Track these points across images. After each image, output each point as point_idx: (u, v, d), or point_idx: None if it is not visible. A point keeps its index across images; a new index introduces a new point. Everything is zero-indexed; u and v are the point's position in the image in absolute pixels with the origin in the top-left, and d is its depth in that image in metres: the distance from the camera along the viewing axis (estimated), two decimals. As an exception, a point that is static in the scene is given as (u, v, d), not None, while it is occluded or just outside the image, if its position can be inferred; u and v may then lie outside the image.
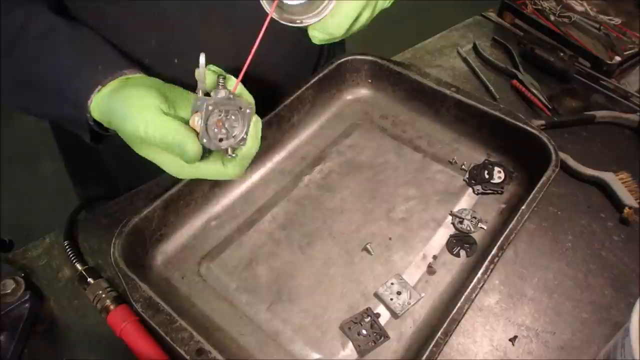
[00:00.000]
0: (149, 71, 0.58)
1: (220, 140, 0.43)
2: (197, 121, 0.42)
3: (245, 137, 0.44)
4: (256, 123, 0.45)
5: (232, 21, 0.61)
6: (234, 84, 0.45)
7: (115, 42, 0.58)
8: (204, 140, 0.42)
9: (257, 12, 0.61)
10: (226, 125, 0.43)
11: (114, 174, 0.79)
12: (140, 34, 0.59)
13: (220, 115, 0.42)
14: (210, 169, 0.45)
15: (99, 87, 0.48)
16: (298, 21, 0.44)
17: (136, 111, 0.43)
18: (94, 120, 0.50)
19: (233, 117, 0.43)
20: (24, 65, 0.52)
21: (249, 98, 0.46)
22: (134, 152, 0.47)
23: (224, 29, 0.61)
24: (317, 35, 0.46)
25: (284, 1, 0.44)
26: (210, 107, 0.41)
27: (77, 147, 0.79)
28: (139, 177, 0.68)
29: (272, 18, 0.44)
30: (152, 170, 0.59)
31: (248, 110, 0.43)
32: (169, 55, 0.61)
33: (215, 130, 0.42)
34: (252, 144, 0.45)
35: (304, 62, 0.74)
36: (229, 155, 0.45)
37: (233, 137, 0.44)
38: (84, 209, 0.67)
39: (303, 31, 0.54)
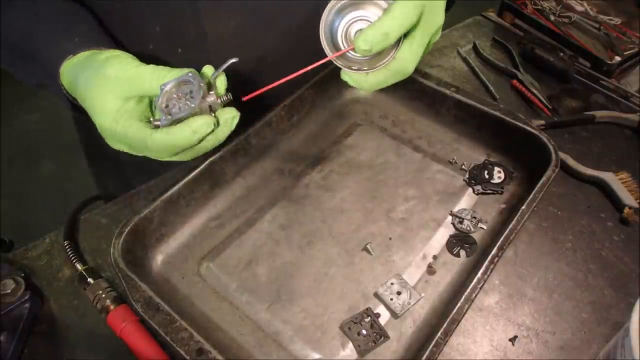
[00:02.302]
0: (151, 59, 0.58)
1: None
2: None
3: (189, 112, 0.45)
4: (195, 120, 0.45)
5: (237, 13, 0.61)
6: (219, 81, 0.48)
7: (120, 25, 0.59)
8: (162, 119, 0.46)
9: (263, 4, 0.61)
10: (181, 103, 0.45)
11: (127, 166, 0.79)
12: (145, 19, 0.59)
13: (179, 95, 0.46)
14: (138, 130, 0.46)
15: (70, 56, 0.50)
16: (354, 68, 0.47)
17: (96, 99, 0.46)
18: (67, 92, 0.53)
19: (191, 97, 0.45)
20: (11, 29, 0.54)
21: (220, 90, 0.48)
22: None
23: (229, 20, 0.61)
24: (348, 81, 0.49)
25: (351, 55, 0.46)
26: (167, 89, 0.45)
27: (96, 135, 0.80)
28: (151, 169, 0.68)
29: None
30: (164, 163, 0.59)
31: (199, 93, 0.45)
32: (172, 44, 0.61)
33: (172, 106, 0.45)
34: (182, 129, 0.45)
35: (309, 62, 0.74)
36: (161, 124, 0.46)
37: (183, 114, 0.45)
38: (84, 208, 0.67)
39: (309, 32, 0.54)
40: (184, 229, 0.62)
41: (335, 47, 0.46)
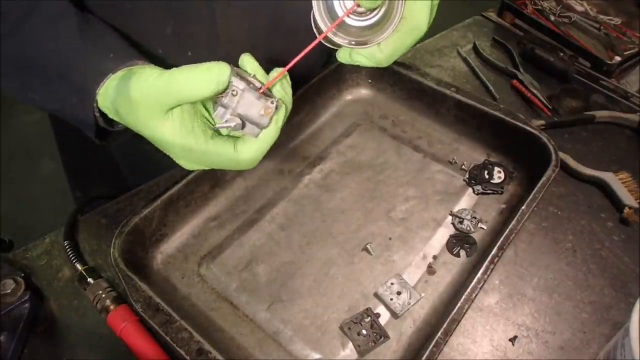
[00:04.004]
0: (162, 61, 0.56)
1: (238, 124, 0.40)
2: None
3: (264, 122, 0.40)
4: (281, 110, 0.41)
5: (250, 14, 0.60)
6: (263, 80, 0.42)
7: (130, 25, 0.56)
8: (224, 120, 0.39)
9: (274, 6, 0.61)
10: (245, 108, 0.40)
11: (122, 168, 0.78)
12: (156, 20, 0.57)
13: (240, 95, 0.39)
14: (220, 150, 0.41)
15: (110, 75, 0.45)
16: (353, 42, 0.42)
17: (145, 117, 0.41)
18: (100, 112, 0.48)
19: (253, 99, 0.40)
20: (30, 48, 0.49)
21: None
22: (145, 144, 0.46)
23: (240, 21, 0.60)
24: (362, 62, 0.44)
25: (348, 22, 0.41)
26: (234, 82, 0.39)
27: (81, 145, 0.79)
28: (149, 171, 0.68)
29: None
30: (162, 164, 0.58)
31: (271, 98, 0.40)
32: (182, 46, 0.60)
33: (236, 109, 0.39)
34: (272, 128, 0.40)
35: (312, 63, 0.73)
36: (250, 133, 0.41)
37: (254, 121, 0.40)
38: (84, 208, 0.67)
39: (317, 32, 0.53)
40: (184, 229, 0.62)
41: (330, 19, 0.40)
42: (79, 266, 0.58)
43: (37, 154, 2.10)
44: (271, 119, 0.40)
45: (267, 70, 0.44)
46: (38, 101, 0.53)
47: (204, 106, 0.45)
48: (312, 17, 0.41)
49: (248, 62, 0.43)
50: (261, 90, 0.40)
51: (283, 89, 0.42)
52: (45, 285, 0.58)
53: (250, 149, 0.41)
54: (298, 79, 0.71)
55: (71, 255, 0.59)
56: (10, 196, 1.89)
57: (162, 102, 0.40)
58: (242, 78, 0.40)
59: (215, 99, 0.39)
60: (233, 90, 0.38)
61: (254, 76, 0.41)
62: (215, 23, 0.59)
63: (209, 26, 0.59)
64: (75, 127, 0.52)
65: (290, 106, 0.43)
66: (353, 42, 0.42)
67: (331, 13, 0.41)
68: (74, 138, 0.78)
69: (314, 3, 0.40)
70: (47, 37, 0.49)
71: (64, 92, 0.49)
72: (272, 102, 0.40)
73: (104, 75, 0.45)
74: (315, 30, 0.42)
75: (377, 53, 0.43)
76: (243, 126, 0.39)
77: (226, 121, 0.39)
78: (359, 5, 0.39)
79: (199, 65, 0.39)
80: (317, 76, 0.73)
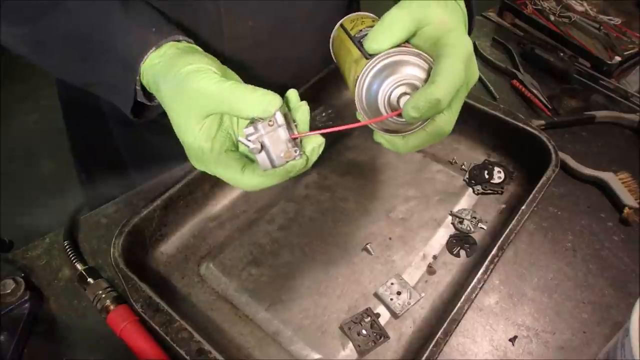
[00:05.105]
0: None
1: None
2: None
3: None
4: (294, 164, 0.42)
5: (256, 14, 0.61)
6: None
7: None
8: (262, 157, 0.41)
9: (280, 7, 0.62)
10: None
11: (128, 160, 0.78)
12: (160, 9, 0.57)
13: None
14: (229, 164, 0.43)
15: (153, 47, 0.46)
16: (381, 128, 0.44)
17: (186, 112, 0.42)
18: (141, 85, 0.48)
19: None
20: (73, 21, 0.50)
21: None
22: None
23: (245, 19, 0.61)
24: (382, 143, 0.46)
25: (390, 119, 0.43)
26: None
27: (90, 132, 0.79)
28: (156, 164, 0.67)
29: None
30: (168, 157, 0.58)
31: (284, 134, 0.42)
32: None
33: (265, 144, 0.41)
34: (282, 171, 0.42)
35: (317, 65, 0.74)
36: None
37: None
38: (84, 208, 0.67)
39: (319, 40, 0.53)
40: (184, 229, 0.62)
41: (371, 110, 0.42)
42: (79, 266, 0.58)
43: (37, 154, 2.10)
44: (286, 162, 0.42)
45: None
46: (76, 75, 0.54)
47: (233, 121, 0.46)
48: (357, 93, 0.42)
49: (293, 95, 0.45)
50: (294, 137, 0.42)
51: (313, 151, 0.43)
52: (45, 285, 0.58)
53: (254, 179, 0.42)
54: (298, 80, 0.71)
55: (71, 255, 0.59)
56: (10, 196, 1.89)
57: (211, 106, 0.41)
58: (286, 117, 0.42)
59: (254, 119, 0.41)
60: (270, 121, 0.40)
61: (296, 125, 0.43)
62: (221, 19, 0.59)
63: (214, 22, 0.59)
64: (85, 114, 0.52)
65: (309, 165, 0.44)
66: (381, 128, 0.44)
67: (371, 103, 0.42)
68: (85, 125, 0.78)
69: (357, 93, 0.42)
70: (91, 10, 0.49)
71: (106, 64, 0.49)
72: (296, 151, 0.42)
73: (147, 49, 0.46)
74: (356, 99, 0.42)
75: (399, 143, 0.45)
76: (259, 151, 0.41)
77: (249, 140, 0.41)
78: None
79: (257, 89, 0.40)
80: (317, 76, 0.73)
